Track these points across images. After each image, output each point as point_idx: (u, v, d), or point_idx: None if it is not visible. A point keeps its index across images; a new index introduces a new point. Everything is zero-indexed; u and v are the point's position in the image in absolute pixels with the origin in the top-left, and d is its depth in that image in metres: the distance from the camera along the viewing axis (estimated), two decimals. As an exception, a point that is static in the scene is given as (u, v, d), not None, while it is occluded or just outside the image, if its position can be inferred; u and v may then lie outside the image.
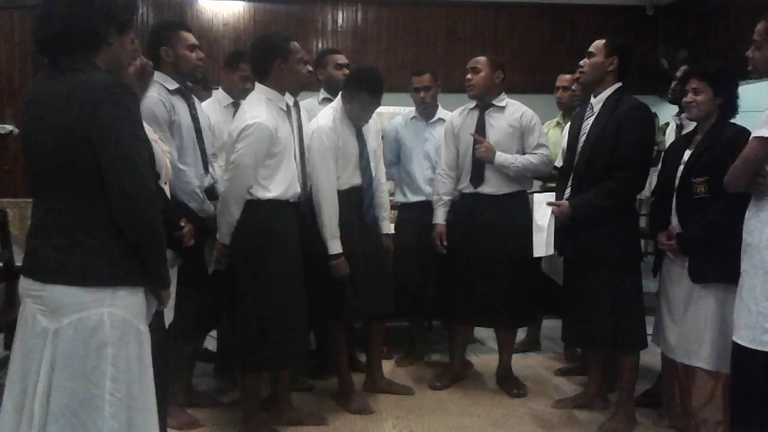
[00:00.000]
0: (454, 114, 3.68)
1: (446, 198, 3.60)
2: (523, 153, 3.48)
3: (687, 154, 2.88)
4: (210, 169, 3.06)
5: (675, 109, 3.45)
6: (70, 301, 1.69)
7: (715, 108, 2.83)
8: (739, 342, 2.37)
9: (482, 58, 3.52)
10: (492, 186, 3.47)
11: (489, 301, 3.43)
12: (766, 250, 2.31)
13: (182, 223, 2.51)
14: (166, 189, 2.45)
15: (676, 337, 2.91)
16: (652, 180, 3.24)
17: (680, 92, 3.21)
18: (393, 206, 4.07)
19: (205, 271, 2.95)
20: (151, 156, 1.94)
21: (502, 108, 3.52)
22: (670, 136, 3.42)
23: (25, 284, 1.77)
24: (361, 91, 3.19)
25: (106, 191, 1.69)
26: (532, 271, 3.45)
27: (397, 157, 3.95)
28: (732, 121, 2.86)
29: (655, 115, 7.24)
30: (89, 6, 1.72)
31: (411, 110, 3.99)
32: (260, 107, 2.86)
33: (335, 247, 3.12)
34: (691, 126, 3.03)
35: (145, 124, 2.29)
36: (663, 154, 3.18)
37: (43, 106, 1.71)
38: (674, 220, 2.89)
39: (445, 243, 3.54)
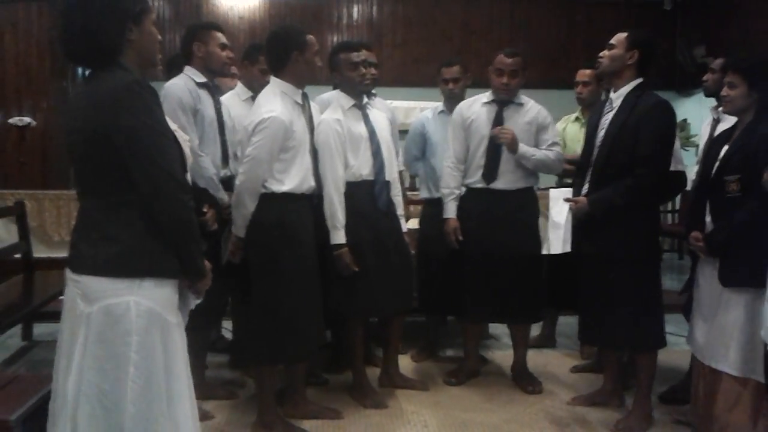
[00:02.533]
0: (463, 106, 3.60)
1: (457, 192, 3.55)
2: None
3: (725, 150, 2.80)
4: (230, 162, 3.20)
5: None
6: (100, 288, 1.78)
7: (752, 103, 2.72)
8: None
9: (519, 60, 3.42)
10: (504, 182, 3.44)
11: (500, 297, 3.42)
12: None
13: (204, 209, 2.53)
14: (188, 177, 2.48)
15: (705, 338, 2.83)
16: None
17: (714, 85, 3.21)
18: (419, 202, 4.05)
19: (219, 260, 2.96)
20: (180, 148, 1.97)
21: (521, 105, 3.50)
22: (706, 131, 3.39)
23: (67, 273, 1.87)
24: (339, 54, 3.25)
25: (137, 186, 1.77)
26: (542, 268, 3.43)
27: (422, 152, 3.93)
28: None
29: (672, 112, 7.20)
30: (101, 17, 1.77)
31: (439, 105, 3.97)
32: (275, 101, 2.88)
33: (337, 237, 3.12)
34: (727, 120, 2.98)
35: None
36: (705, 148, 3.10)
37: (76, 108, 1.82)
38: (708, 218, 2.80)
39: (460, 238, 3.51)
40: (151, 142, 1.76)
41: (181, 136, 2.34)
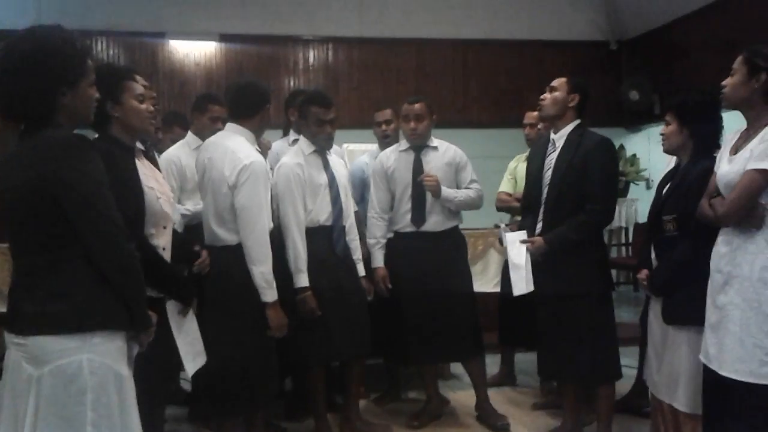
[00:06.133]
0: (383, 156, 3.70)
1: (383, 241, 3.61)
2: (458, 188, 3.60)
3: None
4: None
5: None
6: (50, 349, 1.74)
7: (686, 141, 2.75)
8: (733, 376, 2.27)
9: (419, 105, 3.57)
10: (433, 224, 3.53)
11: (438, 337, 3.45)
12: (759, 282, 2.24)
13: (197, 247, 2.52)
14: (166, 233, 2.36)
15: (659, 374, 2.84)
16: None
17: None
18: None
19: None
20: (139, 200, 2.06)
21: (436, 147, 3.62)
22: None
23: (8, 337, 1.82)
24: (312, 106, 3.27)
25: (79, 238, 1.76)
26: (474, 303, 3.57)
27: (361, 196, 3.96)
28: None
29: (621, 147, 7.43)
30: (33, 83, 1.76)
31: (374, 149, 4.03)
32: (246, 145, 2.89)
33: (300, 280, 3.13)
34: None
35: (143, 174, 2.29)
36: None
37: (12, 166, 1.81)
38: (653, 256, 2.85)
39: (389, 286, 3.53)
40: (93, 191, 1.76)
41: (159, 193, 2.31)
